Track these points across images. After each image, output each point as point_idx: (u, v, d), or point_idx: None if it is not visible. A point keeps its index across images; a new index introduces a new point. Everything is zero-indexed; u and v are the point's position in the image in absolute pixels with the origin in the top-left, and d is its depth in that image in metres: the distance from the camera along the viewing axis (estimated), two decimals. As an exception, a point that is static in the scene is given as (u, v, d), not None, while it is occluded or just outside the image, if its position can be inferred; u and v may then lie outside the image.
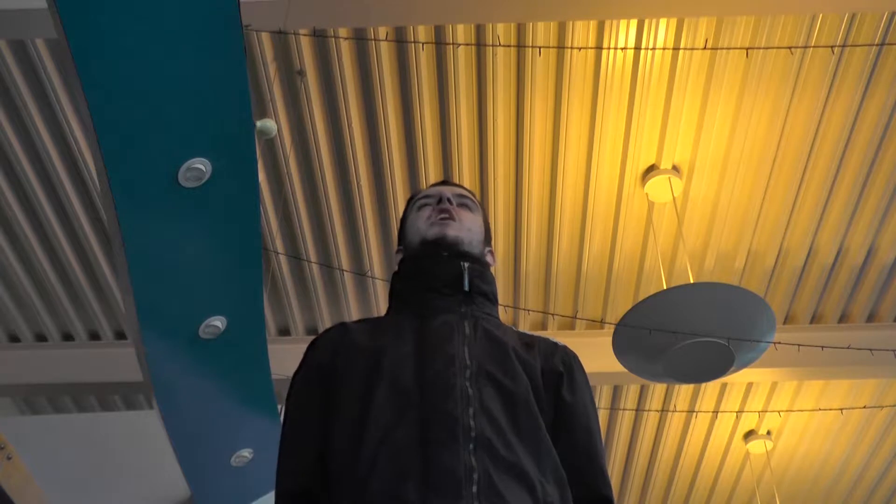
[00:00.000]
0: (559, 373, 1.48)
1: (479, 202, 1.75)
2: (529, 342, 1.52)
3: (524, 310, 4.97)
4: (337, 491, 1.33)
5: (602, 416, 5.61)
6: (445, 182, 1.76)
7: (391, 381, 1.38)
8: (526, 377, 1.42)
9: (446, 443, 1.28)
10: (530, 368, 1.45)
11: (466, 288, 1.51)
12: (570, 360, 1.53)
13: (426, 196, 1.68)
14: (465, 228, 1.61)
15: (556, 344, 1.56)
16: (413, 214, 1.68)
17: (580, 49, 3.85)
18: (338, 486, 1.34)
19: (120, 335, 5.19)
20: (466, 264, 1.54)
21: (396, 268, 1.66)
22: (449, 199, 1.63)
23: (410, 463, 1.27)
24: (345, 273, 4.81)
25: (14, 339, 5.24)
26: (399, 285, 1.61)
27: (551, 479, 1.35)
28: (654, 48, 3.87)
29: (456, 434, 1.29)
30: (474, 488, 1.24)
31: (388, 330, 1.49)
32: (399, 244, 1.71)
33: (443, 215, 1.60)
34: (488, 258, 1.67)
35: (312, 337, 1.59)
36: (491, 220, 4.55)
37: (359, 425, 1.34)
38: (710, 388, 5.39)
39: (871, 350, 4.45)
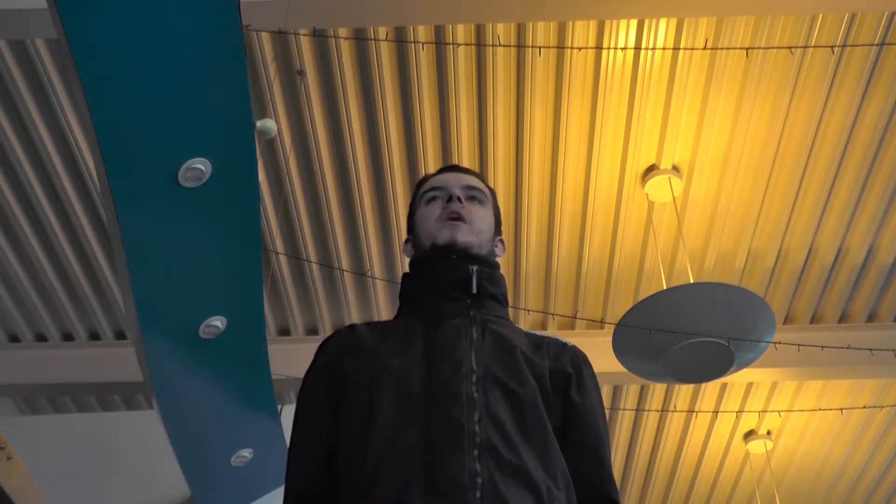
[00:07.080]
0: (568, 374, 1.47)
1: (490, 186, 1.72)
2: (538, 343, 1.51)
3: (524, 310, 4.97)
4: (344, 493, 1.34)
5: (602, 416, 5.61)
6: (454, 167, 1.72)
7: (398, 386, 1.38)
8: (533, 380, 1.41)
9: (451, 449, 1.28)
10: (538, 370, 1.44)
11: (475, 291, 1.50)
12: (579, 361, 1.52)
13: (435, 188, 1.65)
14: (474, 231, 1.58)
15: (565, 344, 1.54)
16: (422, 208, 1.65)
17: (580, 49, 3.85)
18: (345, 489, 1.34)
19: (120, 335, 5.19)
20: (475, 267, 1.53)
21: (407, 261, 1.65)
22: (458, 198, 1.60)
23: (415, 468, 1.27)
24: (345, 273, 4.81)
25: (14, 339, 5.25)
26: (408, 287, 1.60)
27: (559, 482, 1.34)
28: (654, 48, 3.87)
29: (461, 440, 1.29)
30: (478, 493, 1.25)
31: (397, 334, 1.49)
32: (409, 233, 1.69)
33: (452, 216, 1.58)
34: (498, 248, 1.65)
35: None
36: (491, 220, 4.56)
37: (365, 429, 1.34)
38: (710, 388, 5.39)
39: (871, 350, 4.45)
